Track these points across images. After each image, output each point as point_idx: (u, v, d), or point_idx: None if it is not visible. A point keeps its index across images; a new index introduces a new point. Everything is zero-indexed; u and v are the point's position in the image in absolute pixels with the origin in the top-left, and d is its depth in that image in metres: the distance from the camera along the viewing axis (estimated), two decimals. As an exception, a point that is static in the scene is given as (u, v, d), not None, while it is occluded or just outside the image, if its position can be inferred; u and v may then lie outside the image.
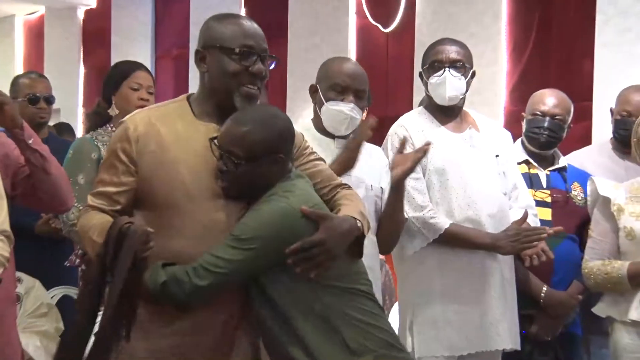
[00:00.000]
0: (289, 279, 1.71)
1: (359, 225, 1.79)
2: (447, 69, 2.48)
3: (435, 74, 2.50)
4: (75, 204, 2.63)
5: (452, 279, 2.47)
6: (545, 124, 2.78)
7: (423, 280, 2.49)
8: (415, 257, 2.49)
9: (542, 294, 2.65)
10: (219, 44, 1.82)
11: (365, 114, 3.57)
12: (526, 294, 2.64)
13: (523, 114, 2.90)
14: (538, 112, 2.82)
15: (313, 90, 2.35)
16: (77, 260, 2.82)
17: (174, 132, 1.83)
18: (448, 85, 2.48)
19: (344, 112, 2.27)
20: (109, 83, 2.82)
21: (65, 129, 5.40)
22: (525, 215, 2.48)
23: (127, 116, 1.89)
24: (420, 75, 2.59)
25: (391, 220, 2.30)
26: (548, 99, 2.83)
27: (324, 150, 2.29)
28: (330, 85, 2.28)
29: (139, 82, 2.78)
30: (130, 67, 2.82)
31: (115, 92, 2.78)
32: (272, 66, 1.88)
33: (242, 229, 1.72)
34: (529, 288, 2.66)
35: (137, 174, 1.81)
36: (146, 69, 2.86)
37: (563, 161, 2.86)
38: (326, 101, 2.28)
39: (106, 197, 1.84)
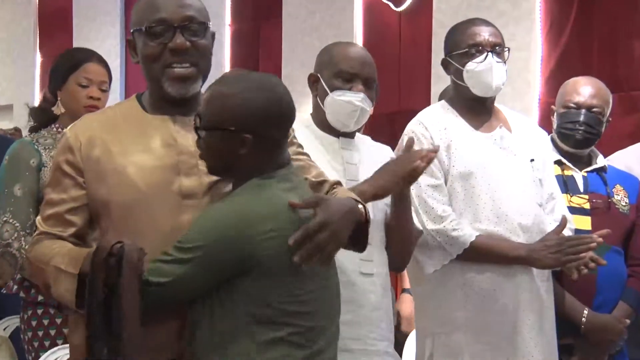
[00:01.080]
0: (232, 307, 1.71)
1: (360, 207, 1.82)
2: (489, 53, 2.50)
3: (474, 60, 2.50)
4: (11, 220, 2.64)
5: (478, 305, 2.46)
6: (581, 118, 2.79)
7: (444, 306, 2.49)
8: (435, 277, 2.49)
9: (583, 319, 2.65)
10: (134, 28, 1.88)
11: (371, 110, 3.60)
12: (564, 320, 2.63)
13: (553, 107, 2.91)
14: (572, 104, 2.82)
15: (313, 80, 2.36)
16: (15, 287, 2.81)
17: (122, 133, 1.87)
18: (495, 72, 2.50)
19: (353, 103, 2.27)
20: (54, 76, 2.79)
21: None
22: (564, 222, 2.49)
23: (69, 127, 1.93)
24: (444, 62, 2.60)
25: (399, 234, 2.31)
26: (583, 88, 2.84)
27: (328, 151, 2.31)
28: (335, 72, 2.29)
29: (88, 76, 2.75)
30: (79, 58, 2.77)
31: (61, 87, 2.75)
32: (203, 37, 1.86)
33: (185, 235, 1.73)
34: (567, 312, 2.66)
35: (85, 185, 1.85)
36: (100, 60, 2.82)
37: (602, 161, 2.87)
38: (331, 91, 2.29)
39: (58, 220, 1.87)
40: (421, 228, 2.44)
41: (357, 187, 2.20)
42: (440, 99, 2.93)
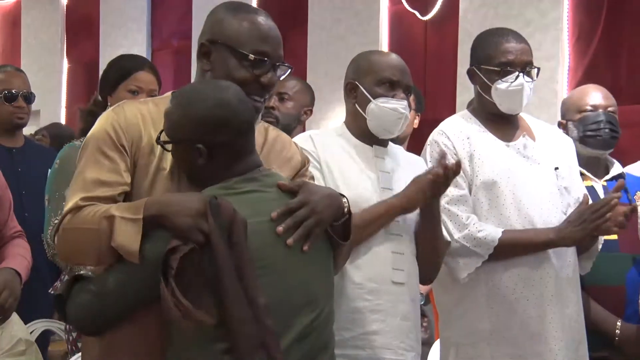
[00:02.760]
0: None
1: (342, 197, 1.87)
2: (521, 74, 2.50)
3: (505, 79, 2.50)
4: None
5: (504, 315, 2.47)
6: (603, 118, 2.79)
7: (469, 316, 2.50)
8: (459, 287, 2.50)
9: (616, 331, 2.64)
10: (230, 44, 1.87)
11: (417, 121, 3.63)
12: (596, 332, 2.62)
13: (561, 121, 2.90)
14: (588, 107, 2.82)
15: (351, 88, 2.37)
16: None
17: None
18: (525, 94, 2.51)
19: (399, 111, 2.31)
20: (105, 82, 2.84)
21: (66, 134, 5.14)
22: (586, 199, 2.50)
23: (113, 107, 1.88)
24: (471, 72, 2.60)
25: (428, 245, 2.34)
26: (593, 93, 2.85)
27: (361, 160, 2.33)
28: (378, 79, 2.32)
29: (139, 85, 2.79)
30: (130, 66, 2.81)
31: (111, 94, 2.80)
32: (283, 77, 1.94)
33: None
34: (599, 325, 2.65)
35: (130, 172, 1.80)
36: (151, 68, 2.86)
37: (619, 168, 2.86)
38: (374, 98, 2.32)
39: (108, 202, 1.75)
40: (449, 238, 2.45)
41: (386, 201, 2.24)
42: (468, 108, 2.94)
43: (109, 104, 2.80)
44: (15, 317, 2.90)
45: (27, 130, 3.95)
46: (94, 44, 7.54)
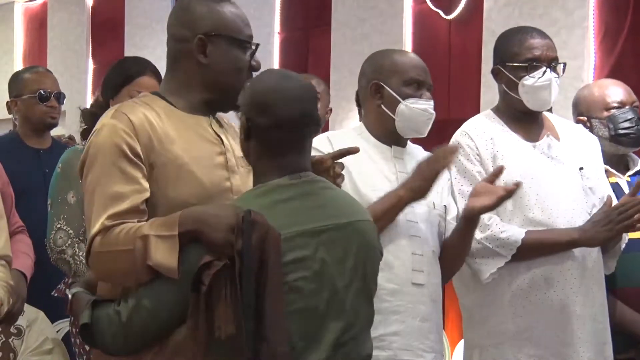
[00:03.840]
0: None
1: None
2: (548, 69, 2.50)
3: (532, 75, 2.50)
4: (64, 227, 2.71)
5: (528, 316, 2.46)
6: (632, 115, 2.78)
7: (492, 318, 2.50)
8: (482, 288, 2.50)
9: None
10: (231, 34, 1.91)
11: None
12: (622, 333, 2.61)
13: (582, 118, 2.87)
14: (615, 104, 2.81)
15: (375, 89, 2.36)
16: (67, 290, 2.88)
17: (169, 128, 1.86)
18: (553, 89, 2.51)
19: (429, 111, 2.33)
20: (107, 85, 2.82)
21: None
22: (609, 201, 2.49)
23: (115, 108, 1.85)
24: (495, 71, 2.59)
25: (458, 252, 2.38)
26: (615, 89, 2.84)
27: (381, 160, 2.34)
28: (405, 80, 2.33)
29: (141, 90, 2.72)
30: (134, 70, 2.79)
31: (113, 97, 2.79)
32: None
33: None
34: (626, 325, 2.64)
35: (147, 176, 1.80)
36: (152, 72, 2.83)
37: (639, 163, 2.85)
38: (403, 99, 2.32)
39: (135, 213, 1.75)
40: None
41: (393, 192, 2.25)
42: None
43: (110, 107, 2.81)
44: (41, 315, 2.94)
45: (54, 132, 3.99)
46: (119, 45, 7.58)
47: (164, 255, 1.66)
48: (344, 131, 2.70)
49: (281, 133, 1.76)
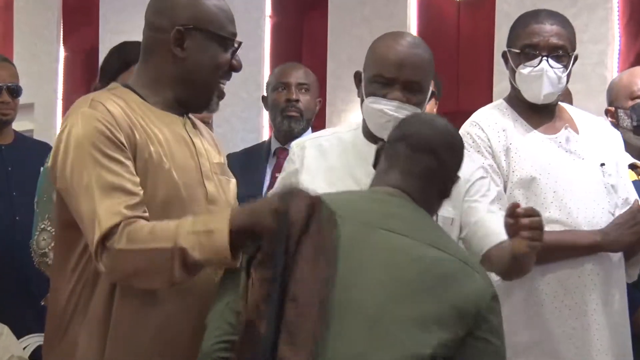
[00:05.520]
0: None
1: None
2: (544, 58, 2.49)
3: (527, 63, 2.51)
4: (48, 228, 2.71)
5: (544, 326, 2.47)
6: None
7: (506, 327, 2.47)
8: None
9: None
10: (211, 29, 1.93)
11: (435, 109, 3.60)
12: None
13: (609, 108, 2.89)
14: None
15: (358, 80, 2.33)
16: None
17: (145, 124, 1.90)
18: (545, 81, 2.50)
19: (385, 113, 2.22)
20: (106, 70, 2.87)
21: None
22: (637, 205, 2.51)
23: (90, 97, 1.89)
24: (504, 55, 2.60)
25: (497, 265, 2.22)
26: None
27: (357, 159, 2.28)
28: (372, 75, 2.24)
29: None
30: (132, 56, 2.73)
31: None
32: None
33: None
34: None
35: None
36: None
37: None
38: (366, 96, 2.26)
39: (143, 205, 1.82)
40: None
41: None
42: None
43: None
44: (6, 330, 2.94)
45: (20, 127, 3.99)
46: (93, 30, 7.57)
47: (213, 249, 1.74)
48: (338, 128, 2.57)
49: (393, 151, 1.95)
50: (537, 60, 2.50)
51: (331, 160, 2.30)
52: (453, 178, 1.94)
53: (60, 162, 1.85)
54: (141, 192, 1.82)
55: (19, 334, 3.08)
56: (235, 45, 1.97)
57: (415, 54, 2.25)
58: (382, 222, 1.79)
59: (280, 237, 1.69)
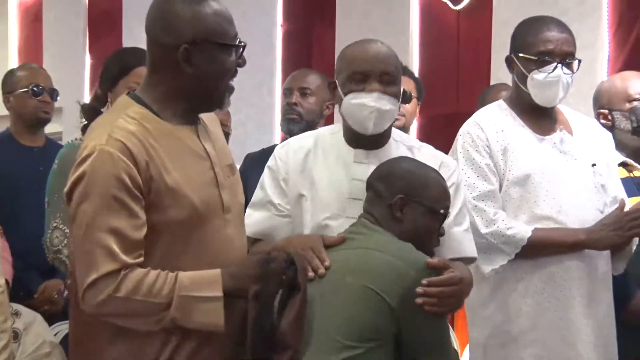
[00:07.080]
0: None
1: None
2: (559, 65, 2.47)
3: (541, 69, 2.49)
4: (61, 226, 2.72)
5: (533, 316, 2.48)
6: None
7: (496, 316, 2.52)
8: (487, 285, 2.51)
9: None
10: (216, 40, 1.89)
11: (417, 109, 3.60)
12: (627, 335, 2.61)
13: (602, 111, 2.87)
14: (637, 96, 2.83)
15: (332, 88, 2.26)
16: (66, 292, 2.90)
17: (160, 145, 1.87)
18: (561, 86, 2.49)
19: (366, 105, 2.16)
20: (104, 77, 2.82)
21: None
22: (622, 204, 2.49)
23: (107, 132, 1.83)
24: (508, 60, 2.58)
25: None
26: (637, 81, 2.85)
27: (340, 162, 2.23)
28: (348, 75, 2.19)
29: (139, 81, 2.70)
30: (130, 62, 2.77)
31: (111, 89, 2.78)
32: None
33: None
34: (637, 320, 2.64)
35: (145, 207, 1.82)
36: None
37: None
38: (345, 95, 2.20)
39: (139, 247, 1.80)
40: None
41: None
42: (479, 102, 2.95)
43: (109, 100, 2.80)
44: (39, 318, 2.96)
45: (50, 129, 4.01)
46: (116, 38, 7.58)
47: (208, 316, 1.81)
48: (318, 132, 2.46)
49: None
50: (551, 67, 2.48)
51: (313, 162, 2.25)
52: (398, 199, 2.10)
53: (70, 193, 1.84)
54: (142, 236, 1.80)
55: (50, 322, 3.11)
56: (241, 44, 1.94)
57: (384, 50, 2.23)
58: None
59: (263, 298, 1.85)
